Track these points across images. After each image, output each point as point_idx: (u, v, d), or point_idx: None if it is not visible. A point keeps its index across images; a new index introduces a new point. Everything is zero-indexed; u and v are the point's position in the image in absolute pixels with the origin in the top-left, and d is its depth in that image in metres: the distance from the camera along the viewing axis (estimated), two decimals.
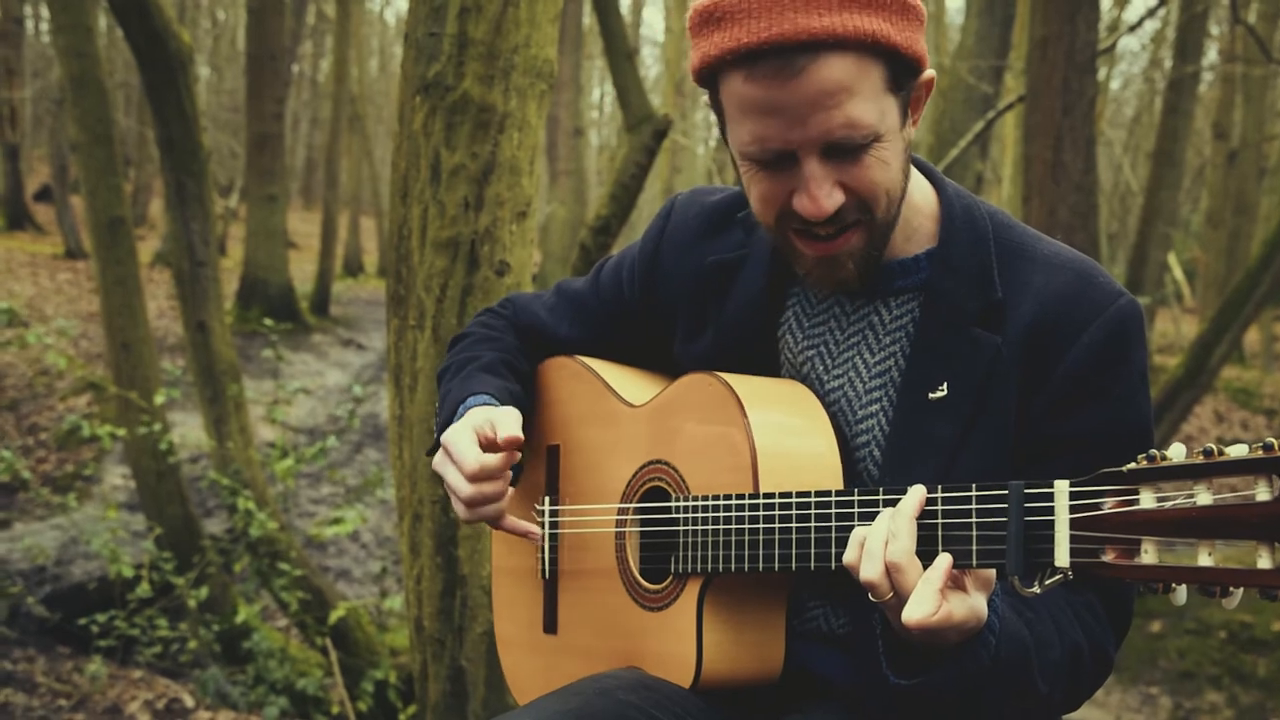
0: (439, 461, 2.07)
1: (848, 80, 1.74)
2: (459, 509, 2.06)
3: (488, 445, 2.03)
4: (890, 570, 1.65)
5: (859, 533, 1.71)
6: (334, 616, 6.90)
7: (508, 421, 2.03)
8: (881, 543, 1.67)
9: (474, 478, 2.01)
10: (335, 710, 6.76)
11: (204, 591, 6.99)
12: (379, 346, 18.97)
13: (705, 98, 1.96)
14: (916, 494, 1.68)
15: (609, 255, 2.40)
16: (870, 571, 1.66)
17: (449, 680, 3.59)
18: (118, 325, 7.62)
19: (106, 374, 8.56)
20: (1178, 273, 26.95)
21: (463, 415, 2.12)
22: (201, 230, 7.17)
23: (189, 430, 10.33)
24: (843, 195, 1.81)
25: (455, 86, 3.40)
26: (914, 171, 2.00)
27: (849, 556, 1.71)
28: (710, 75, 1.83)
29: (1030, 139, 8.35)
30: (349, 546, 10.80)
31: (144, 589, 6.78)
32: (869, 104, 1.76)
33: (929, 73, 1.86)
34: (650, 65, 38.04)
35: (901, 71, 1.80)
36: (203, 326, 7.28)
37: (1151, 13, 11.20)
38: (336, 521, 7.76)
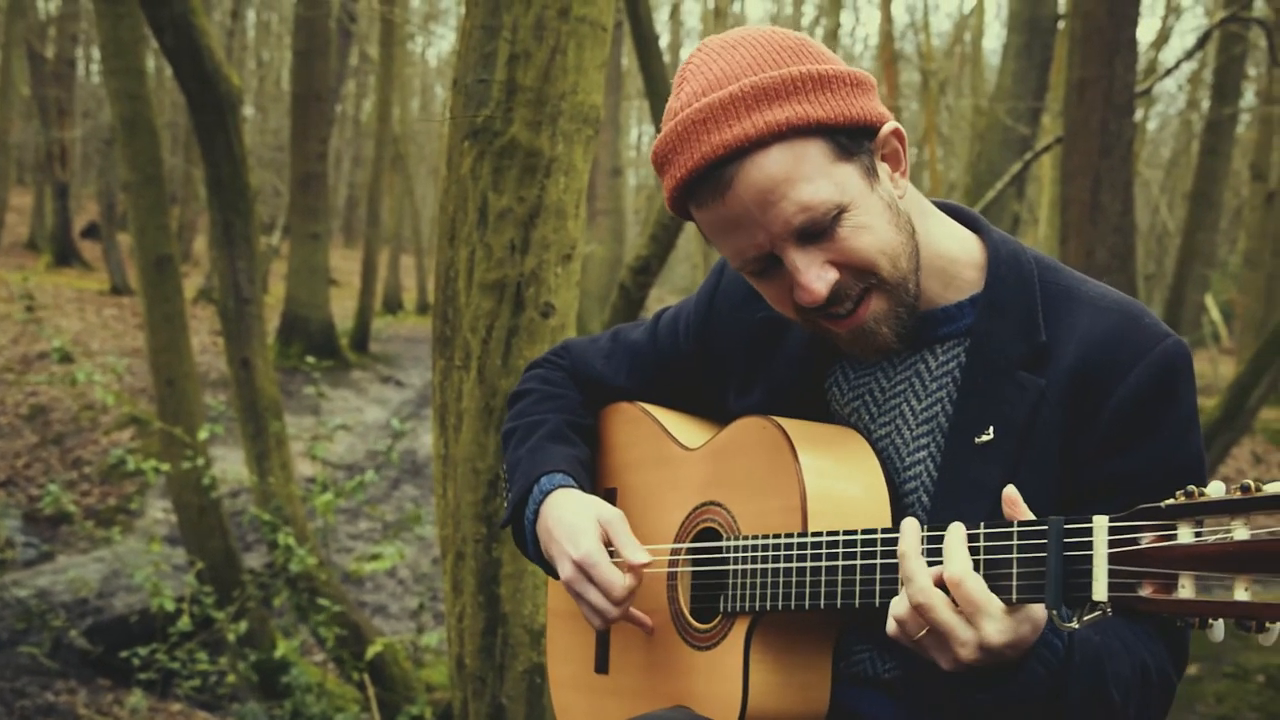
0: (575, 579, 2.09)
1: (781, 171, 1.80)
2: (595, 622, 2.11)
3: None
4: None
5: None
6: (371, 652, 6.93)
7: (631, 543, 2.09)
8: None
9: (622, 602, 2.07)
10: None
11: (243, 625, 7.04)
12: (417, 383, 19.08)
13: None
14: (952, 531, 1.72)
15: (667, 306, 2.44)
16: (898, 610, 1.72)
17: (489, 718, 3.61)
18: (163, 361, 7.72)
19: (150, 409, 8.66)
20: (1215, 314, 26.75)
21: (544, 498, 2.19)
22: (247, 268, 7.26)
23: (230, 465, 10.42)
24: (835, 272, 1.86)
25: (504, 131, 3.45)
26: (948, 221, 2.04)
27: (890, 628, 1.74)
28: (682, 214, 1.95)
29: (1068, 180, 8.35)
30: (386, 582, 10.84)
31: (185, 623, 6.83)
32: (817, 183, 1.81)
33: (888, 126, 1.89)
34: None
35: (845, 138, 1.84)
36: (246, 363, 7.36)
37: (1190, 55, 11.21)
38: (375, 557, 7.81)
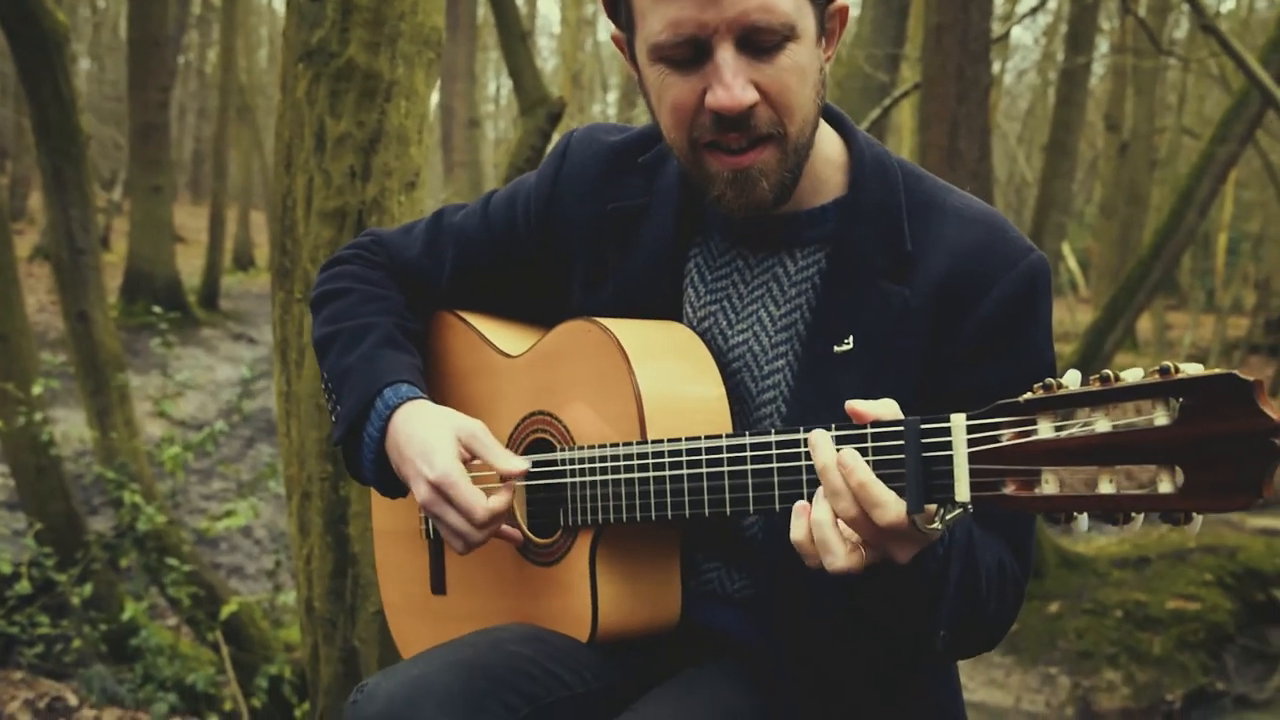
0: (433, 501, 1.90)
1: None
2: (457, 546, 1.93)
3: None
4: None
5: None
6: (226, 612, 6.73)
7: (500, 453, 1.92)
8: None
9: (486, 525, 1.89)
10: (229, 707, 6.59)
11: (88, 589, 6.77)
12: (270, 340, 18.68)
13: (612, 29, 1.91)
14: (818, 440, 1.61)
15: (496, 188, 2.28)
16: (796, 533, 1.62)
17: (341, 662, 3.48)
18: None
19: None
20: (1072, 262, 27.42)
21: (390, 412, 1.99)
22: (81, 217, 6.94)
23: (72, 426, 10.04)
24: (756, 94, 1.74)
25: (340, 53, 3.29)
26: (822, 122, 1.93)
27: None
28: None
29: (926, 126, 8.43)
30: (242, 542, 10.59)
31: (24, 586, 6.54)
32: None
33: (843, 1, 1.82)
34: (547, 58, 37.89)
35: None
36: (84, 316, 7.05)
37: (1044, 3, 11.34)
38: (228, 515, 7.57)
